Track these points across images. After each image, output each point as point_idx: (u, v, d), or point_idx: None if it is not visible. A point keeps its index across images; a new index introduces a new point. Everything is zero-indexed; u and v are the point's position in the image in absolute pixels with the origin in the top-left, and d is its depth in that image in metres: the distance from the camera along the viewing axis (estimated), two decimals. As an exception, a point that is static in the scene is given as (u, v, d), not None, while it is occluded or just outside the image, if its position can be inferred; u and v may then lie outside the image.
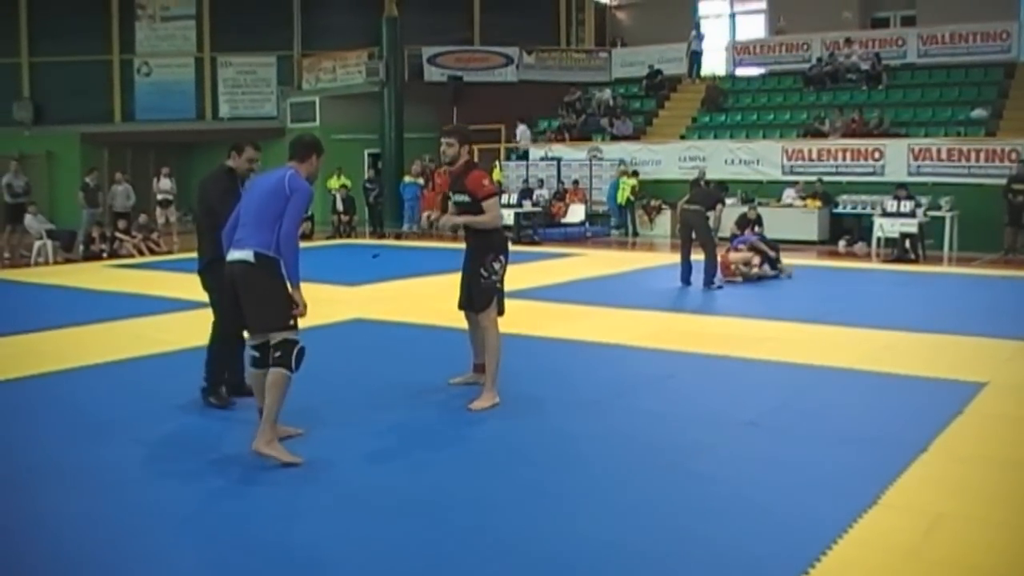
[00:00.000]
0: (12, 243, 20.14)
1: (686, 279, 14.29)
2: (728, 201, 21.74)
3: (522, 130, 27.77)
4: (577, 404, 7.52)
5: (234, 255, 6.12)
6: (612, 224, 24.65)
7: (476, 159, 8.04)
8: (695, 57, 28.90)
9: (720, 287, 14.08)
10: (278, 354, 5.99)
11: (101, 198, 22.30)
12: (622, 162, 24.69)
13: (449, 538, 4.84)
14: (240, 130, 29.53)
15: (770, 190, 22.46)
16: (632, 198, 23.80)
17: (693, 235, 14.23)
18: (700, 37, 29.21)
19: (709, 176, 22.26)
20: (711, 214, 14.19)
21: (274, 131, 30.05)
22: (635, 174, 24.12)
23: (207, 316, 7.39)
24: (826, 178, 21.94)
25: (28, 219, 19.95)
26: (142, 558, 4.64)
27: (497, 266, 7.34)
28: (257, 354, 6.14)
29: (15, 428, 7.00)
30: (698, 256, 14.17)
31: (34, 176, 24.25)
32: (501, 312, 7.52)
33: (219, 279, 6.53)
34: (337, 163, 25.31)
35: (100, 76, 30.59)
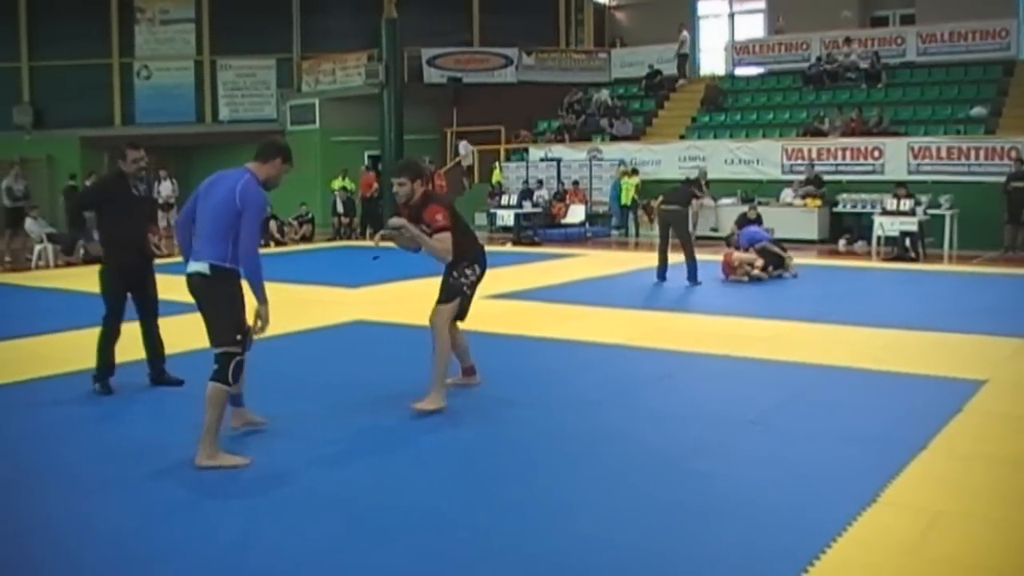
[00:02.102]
0: (14, 247, 20.16)
1: (662, 276, 14.65)
2: (727, 200, 21.87)
3: (463, 145, 27.79)
4: (577, 403, 7.53)
5: (191, 267, 6.07)
6: (613, 224, 24.62)
7: (433, 185, 8.11)
8: (683, 59, 28.91)
9: (699, 283, 14.30)
10: (216, 367, 5.95)
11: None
12: (622, 162, 24.67)
13: (446, 537, 4.85)
14: (240, 132, 29.65)
15: (770, 189, 22.45)
16: (636, 197, 23.78)
17: (671, 234, 14.63)
18: (686, 40, 29.30)
19: (710, 176, 22.38)
20: (690, 210, 14.61)
21: (274, 133, 30.05)
22: (635, 172, 24.10)
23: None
24: (826, 177, 21.91)
25: (29, 223, 19.96)
26: (137, 555, 4.66)
27: (469, 272, 7.36)
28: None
29: (17, 431, 7.02)
30: (677, 256, 14.48)
31: (35, 180, 24.24)
32: (461, 318, 7.53)
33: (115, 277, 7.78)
34: (340, 165, 25.36)
35: (100, 80, 30.61)
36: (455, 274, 7.38)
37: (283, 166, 6.25)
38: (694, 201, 14.70)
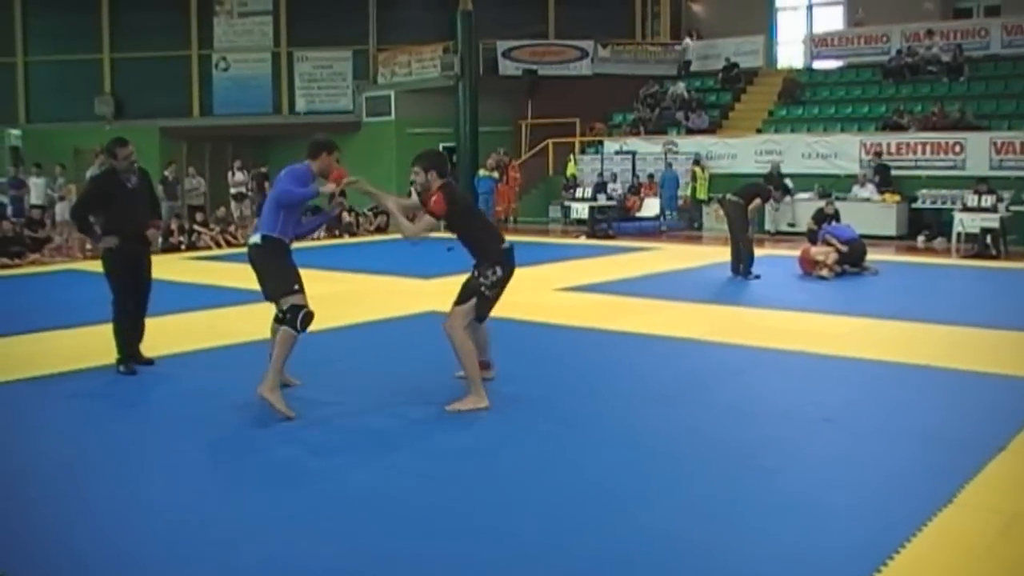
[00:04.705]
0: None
1: (736, 270, 14.58)
2: (804, 195, 21.59)
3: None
4: (648, 397, 7.51)
5: (250, 240, 7.25)
6: (665, 220, 24.28)
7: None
8: (686, 66, 28.63)
9: (757, 277, 14.25)
10: (288, 316, 6.92)
11: (179, 191, 22.69)
12: (698, 156, 24.40)
13: (514, 527, 4.86)
14: (316, 124, 29.86)
15: (848, 184, 22.14)
16: (707, 194, 23.55)
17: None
18: (688, 47, 29.09)
19: (785, 170, 22.07)
20: (751, 207, 14.70)
21: (350, 125, 30.35)
22: (696, 162, 23.86)
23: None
24: (905, 172, 21.57)
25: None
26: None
27: (490, 272, 7.25)
28: (279, 313, 7.04)
29: (87, 415, 7.16)
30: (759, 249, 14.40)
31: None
32: (482, 319, 7.47)
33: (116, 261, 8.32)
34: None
35: (179, 71, 31.10)
36: (475, 274, 7.31)
37: (329, 158, 7.23)
38: (755, 200, 14.52)
